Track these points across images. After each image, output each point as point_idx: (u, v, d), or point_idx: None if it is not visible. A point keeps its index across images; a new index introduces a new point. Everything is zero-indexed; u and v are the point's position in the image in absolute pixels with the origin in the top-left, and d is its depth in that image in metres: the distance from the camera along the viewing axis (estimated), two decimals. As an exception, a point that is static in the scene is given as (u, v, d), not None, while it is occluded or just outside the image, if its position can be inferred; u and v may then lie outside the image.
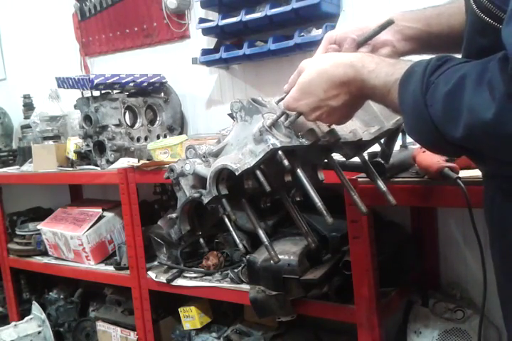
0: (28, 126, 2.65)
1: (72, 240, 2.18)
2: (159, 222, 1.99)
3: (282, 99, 0.94)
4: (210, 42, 2.26)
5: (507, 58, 0.57)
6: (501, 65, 0.59)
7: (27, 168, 2.44)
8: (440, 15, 0.90)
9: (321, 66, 0.80)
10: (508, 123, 0.57)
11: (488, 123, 0.58)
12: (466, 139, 0.62)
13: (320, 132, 0.91)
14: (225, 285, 1.74)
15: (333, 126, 0.95)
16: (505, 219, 0.75)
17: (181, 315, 1.94)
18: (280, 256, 1.03)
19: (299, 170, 0.90)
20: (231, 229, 1.02)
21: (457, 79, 0.62)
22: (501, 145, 0.61)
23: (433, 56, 0.69)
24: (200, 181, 1.01)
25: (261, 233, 0.95)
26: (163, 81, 2.30)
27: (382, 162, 1.21)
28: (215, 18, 2.10)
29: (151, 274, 1.93)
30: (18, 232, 2.51)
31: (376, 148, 1.15)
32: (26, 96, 2.82)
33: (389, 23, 0.86)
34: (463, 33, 0.74)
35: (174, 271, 1.90)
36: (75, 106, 2.22)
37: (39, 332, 2.44)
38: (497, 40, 0.60)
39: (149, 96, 2.29)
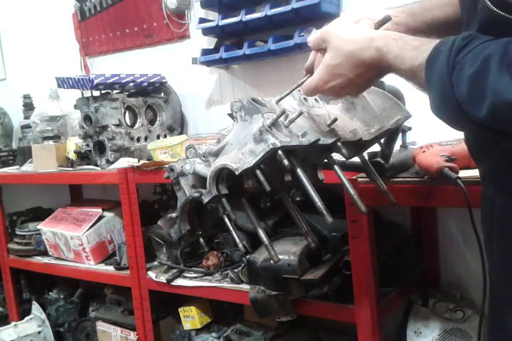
0: (28, 126, 2.65)
1: (72, 240, 2.18)
2: (159, 222, 1.99)
3: (282, 98, 0.94)
4: (210, 42, 2.26)
5: None
6: None
7: (27, 168, 2.44)
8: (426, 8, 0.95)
9: (348, 48, 0.80)
10: None
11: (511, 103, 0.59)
12: (490, 120, 0.63)
13: (320, 132, 0.91)
14: (225, 285, 1.74)
15: (333, 126, 0.95)
16: (506, 220, 0.75)
17: (181, 315, 1.94)
18: (280, 256, 1.03)
19: (298, 170, 0.89)
20: (231, 229, 1.02)
21: (481, 61, 0.63)
22: None
23: (458, 35, 0.69)
24: (200, 181, 1.01)
25: (261, 233, 0.95)
26: (163, 81, 2.30)
27: (382, 162, 1.21)
28: (215, 18, 2.10)
29: (151, 274, 1.93)
30: (18, 232, 2.51)
31: (376, 148, 1.15)
32: (26, 96, 2.82)
33: (386, 19, 0.88)
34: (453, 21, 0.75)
35: (174, 271, 1.90)
36: (75, 106, 2.22)
37: (39, 332, 2.44)
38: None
39: (149, 96, 2.29)
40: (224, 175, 0.94)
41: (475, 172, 1.12)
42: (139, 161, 2.01)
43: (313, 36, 0.87)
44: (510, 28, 0.64)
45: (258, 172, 0.89)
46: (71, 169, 2.21)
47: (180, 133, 2.33)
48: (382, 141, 1.13)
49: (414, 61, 0.73)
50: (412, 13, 0.95)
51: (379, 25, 0.89)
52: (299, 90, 0.95)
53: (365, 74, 0.82)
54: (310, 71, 0.90)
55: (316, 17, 1.90)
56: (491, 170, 0.81)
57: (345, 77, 0.82)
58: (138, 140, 2.19)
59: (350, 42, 0.80)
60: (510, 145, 0.72)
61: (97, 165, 2.14)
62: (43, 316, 2.44)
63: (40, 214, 2.64)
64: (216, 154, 0.99)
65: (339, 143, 0.94)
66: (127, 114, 2.22)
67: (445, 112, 0.71)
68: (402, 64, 0.75)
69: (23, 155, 2.58)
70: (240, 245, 1.05)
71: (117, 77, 2.11)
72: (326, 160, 1.02)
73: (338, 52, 0.81)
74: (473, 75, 0.63)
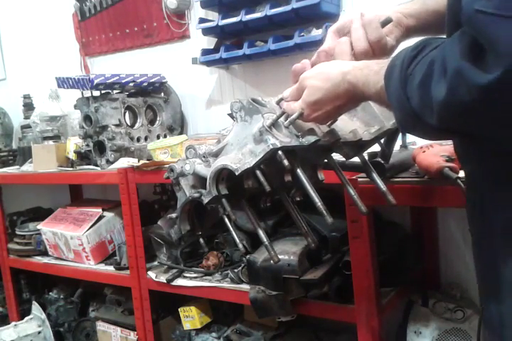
0: (28, 126, 2.65)
1: (72, 240, 2.18)
2: (159, 222, 1.99)
3: (282, 99, 0.94)
4: (210, 42, 2.26)
5: (462, 32, 0.60)
6: (453, 41, 0.61)
7: (27, 168, 2.44)
8: None
9: (324, 86, 0.85)
10: (460, 98, 0.59)
11: (443, 102, 0.61)
12: (441, 124, 0.65)
13: (320, 132, 0.91)
14: (225, 285, 1.74)
15: (333, 126, 0.95)
16: (484, 223, 0.77)
17: (181, 315, 1.94)
18: (280, 256, 1.03)
19: (298, 170, 0.90)
20: (231, 229, 1.02)
21: (426, 68, 0.65)
22: (465, 120, 0.62)
23: (411, 45, 0.71)
24: (200, 181, 1.01)
25: (261, 233, 0.95)
26: (163, 81, 2.30)
27: (382, 162, 1.21)
28: (215, 18, 2.09)
29: (151, 274, 1.93)
30: (18, 232, 2.51)
31: (376, 148, 1.15)
32: (26, 96, 2.82)
33: (388, 21, 0.91)
34: None
35: (174, 271, 1.90)
36: (75, 106, 2.22)
37: (39, 332, 2.44)
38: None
39: (149, 96, 2.29)
40: (224, 175, 0.94)
41: (475, 173, 1.12)
42: (139, 161, 2.01)
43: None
44: None
45: (258, 172, 0.89)
46: (71, 169, 2.21)
47: (180, 133, 2.33)
48: (382, 141, 1.13)
49: (376, 85, 0.77)
50: (425, 3, 0.96)
51: (382, 25, 0.92)
52: None
53: (343, 105, 0.87)
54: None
55: (316, 17, 1.90)
56: (470, 174, 0.82)
57: (325, 110, 0.87)
58: (138, 140, 2.19)
59: (324, 80, 0.86)
60: (482, 150, 0.73)
61: (97, 165, 2.14)
62: (43, 316, 2.44)
63: (40, 214, 2.64)
64: (216, 154, 0.99)
65: (339, 144, 0.94)
66: (127, 114, 2.22)
67: (407, 125, 0.73)
68: (369, 90, 0.79)
69: (23, 155, 2.58)
70: (240, 245, 1.05)
71: (117, 77, 2.11)
72: (326, 161, 1.03)
73: (315, 90, 0.86)
74: (420, 84, 0.65)
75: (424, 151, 1.21)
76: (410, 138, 1.49)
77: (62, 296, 2.51)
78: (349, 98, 0.85)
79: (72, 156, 2.25)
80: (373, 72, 0.79)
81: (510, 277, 0.71)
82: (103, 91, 2.16)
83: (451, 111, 0.62)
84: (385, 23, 0.92)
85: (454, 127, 0.65)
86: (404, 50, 0.72)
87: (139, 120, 2.22)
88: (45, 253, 2.38)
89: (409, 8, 0.97)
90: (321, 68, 0.89)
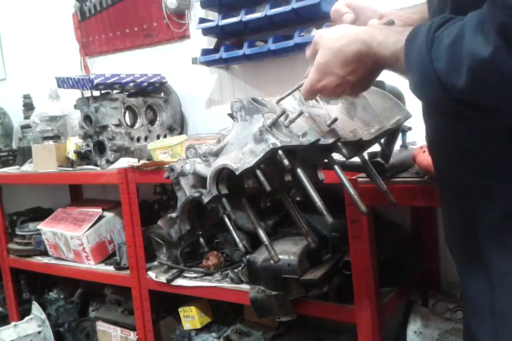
0: (28, 126, 2.65)
1: (72, 240, 2.18)
2: (159, 222, 1.99)
3: (282, 98, 0.94)
4: (210, 42, 2.26)
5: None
6: (491, 2, 0.59)
7: (27, 168, 2.44)
8: None
9: (335, 45, 0.81)
10: (504, 62, 0.57)
11: (486, 61, 0.59)
12: (469, 87, 0.62)
13: (320, 132, 0.91)
14: (225, 285, 1.74)
15: (333, 126, 0.95)
16: (461, 223, 0.80)
17: (181, 315, 1.94)
18: (280, 256, 1.03)
19: (299, 170, 0.90)
20: (231, 228, 1.02)
21: (458, 30, 0.63)
22: (502, 87, 0.60)
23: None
24: (200, 181, 1.01)
25: (261, 233, 0.95)
26: (163, 81, 2.30)
27: (382, 162, 1.21)
28: (215, 18, 2.09)
29: (151, 274, 1.93)
30: (18, 232, 2.51)
31: (376, 148, 1.15)
32: (26, 96, 2.82)
33: (390, 23, 0.89)
34: None
35: (174, 271, 1.90)
36: (75, 106, 2.22)
37: (39, 332, 2.44)
38: None
39: (149, 96, 2.29)
40: (224, 175, 0.94)
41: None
42: (139, 161, 2.01)
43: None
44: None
45: (258, 172, 0.89)
46: (71, 169, 2.21)
47: (180, 133, 2.33)
48: (382, 141, 1.13)
49: (396, 44, 0.74)
50: (423, 16, 0.95)
51: None
52: (299, 91, 0.95)
53: (355, 71, 0.82)
54: None
55: (316, 17, 1.90)
56: (451, 172, 0.83)
57: (336, 75, 0.83)
58: (138, 140, 2.19)
59: (336, 39, 0.82)
60: (475, 140, 0.72)
61: (97, 165, 2.14)
62: (43, 316, 2.44)
63: (40, 214, 2.64)
64: (216, 154, 0.99)
65: (339, 143, 0.94)
66: (127, 114, 2.22)
67: (425, 89, 0.70)
68: (386, 49, 0.76)
69: (23, 155, 2.58)
70: (240, 245, 1.05)
71: (117, 77, 2.11)
72: (326, 160, 1.03)
73: (326, 50, 0.83)
74: (450, 44, 0.64)
75: (424, 151, 1.21)
76: (410, 138, 1.50)
77: (62, 296, 2.51)
78: (360, 60, 0.80)
79: (72, 156, 2.25)
80: (395, 32, 0.76)
81: (499, 267, 0.73)
82: (103, 91, 2.16)
83: (495, 73, 0.59)
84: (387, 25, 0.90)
85: (481, 96, 0.63)
86: (425, 23, 0.70)
87: (139, 120, 2.22)
88: (45, 253, 2.38)
89: (409, 17, 0.97)
90: (336, 28, 0.86)
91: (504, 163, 0.72)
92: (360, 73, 0.82)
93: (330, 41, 0.82)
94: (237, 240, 1.03)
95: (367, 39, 0.78)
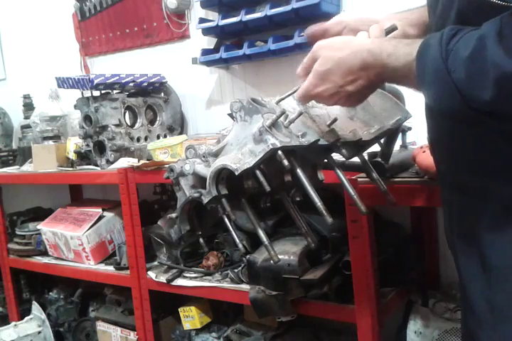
0: (28, 126, 2.65)
1: (72, 240, 2.18)
2: (159, 222, 1.99)
3: (282, 99, 0.94)
4: (210, 42, 2.26)
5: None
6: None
7: (27, 168, 2.44)
8: None
9: (339, 55, 0.80)
10: None
11: (510, 74, 0.58)
12: (497, 98, 0.62)
13: (320, 132, 0.91)
14: (225, 285, 1.74)
15: (333, 126, 0.95)
16: (463, 222, 0.80)
17: (181, 315, 1.94)
18: (280, 256, 1.03)
19: (298, 170, 0.89)
20: (231, 229, 1.02)
21: (476, 42, 0.63)
22: None
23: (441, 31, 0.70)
24: (199, 181, 1.01)
25: (261, 233, 0.95)
26: (163, 81, 2.30)
27: (382, 162, 1.21)
28: (215, 18, 2.09)
29: (151, 274, 1.93)
30: (18, 232, 2.51)
31: (376, 148, 1.15)
32: (26, 96, 2.82)
33: (393, 28, 0.89)
34: None
35: (174, 271, 1.90)
36: (75, 106, 2.22)
37: (39, 332, 2.44)
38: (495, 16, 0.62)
39: (149, 96, 2.29)
40: (224, 175, 0.94)
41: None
42: (139, 161, 2.01)
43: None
44: (491, 11, 0.64)
45: (258, 172, 0.89)
46: (71, 169, 2.21)
47: (180, 133, 2.33)
48: (382, 141, 1.13)
49: (408, 56, 0.73)
50: (422, 14, 0.95)
51: (387, 33, 0.90)
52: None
53: (355, 81, 0.80)
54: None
55: (316, 17, 1.89)
56: (452, 171, 0.83)
57: (334, 83, 0.81)
58: (138, 140, 2.19)
59: (339, 49, 0.81)
60: (485, 141, 0.72)
61: (97, 165, 2.14)
62: (43, 316, 2.44)
63: (40, 214, 2.64)
64: (216, 154, 0.99)
65: (339, 144, 0.94)
66: (127, 114, 2.22)
67: (443, 101, 0.69)
68: (397, 61, 0.75)
69: (23, 155, 2.58)
70: (240, 245, 1.05)
71: (117, 77, 2.11)
72: (326, 161, 1.02)
73: (328, 60, 0.81)
74: (470, 56, 0.63)
75: (424, 151, 1.21)
76: (410, 138, 1.49)
77: (62, 296, 2.51)
78: (363, 70, 0.78)
79: (72, 156, 2.25)
80: (404, 43, 0.76)
81: (496, 264, 0.74)
82: (103, 91, 2.16)
83: None
84: (389, 31, 0.89)
85: (509, 104, 0.63)
86: (436, 33, 0.70)
87: (139, 120, 2.22)
88: (45, 253, 2.38)
89: (408, 17, 0.97)
90: (338, 38, 0.85)
91: (500, 163, 0.72)
92: (359, 84, 0.81)
93: (330, 51, 0.81)
94: (237, 240, 1.03)
95: (375, 50, 0.77)
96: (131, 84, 2.17)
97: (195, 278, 1.84)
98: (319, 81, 0.83)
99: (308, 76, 0.85)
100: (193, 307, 1.92)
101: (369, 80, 0.80)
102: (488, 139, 0.73)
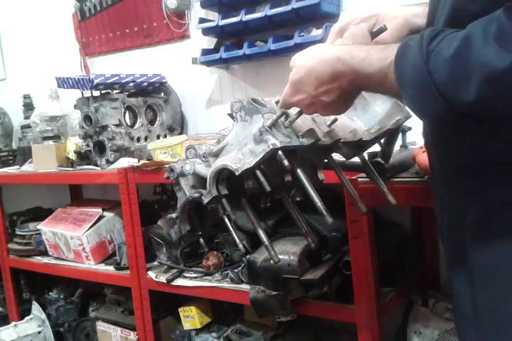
0: (28, 126, 2.65)
1: (72, 240, 2.18)
2: (159, 222, 1.99)
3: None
4: (210, 42, 2.26)
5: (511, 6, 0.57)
6: (508, 14, 0.58)
7: (27, 168, 2.44)
8: None
9: (309, 63, 0.79)
10: None
11: (504, 72, 0.57)
12: (481, 100, 0.60)
13: (320, 132, 0.91)
14: (225, 285, 1.74)
15: (333, 126, 0.95)
16: (452, 217, 0.81)
17: (181, 315, 1.94)
18: (280, 256, 1.03)
19: (299, 170, 0.89)
20: (231, 229, 1.02)
21: (460, 42, 0.61)
22: None
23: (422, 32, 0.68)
24: (200, 181, 1.01)
25: (261, 233, 0.95)
26: (163, 81, 2.30)
27: (382, 162, 1.21)
28: (215, 18, 2.09)
29: (151, 274, 1.93)
30: (18, 232, 2.51)
31: (376, 148, 1.15)
32: (26, 96, 2.82)
33: (382, 29, 0.88)
34: None
35: (174, 271, 1.90)
36: (75, 106, 2.22)
37: (39, 332, 2.44)
38: (491, 4, 0.61)
39: (149, 96, 2.29)
40: (224, 175, 0.94)
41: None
42: (139, 161, 2.01)
43: None
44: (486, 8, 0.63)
45: (258, 172, 0.89)
46: (71, 169, 2.21)
47: (180, 133, 2.33)
48: (382, 141, 1.13)
49: (383, 61, 0.71)
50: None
51: (374, 35, 0.89)
52: None
53: (328, 91, 0.79)
54: None
55: (316, 17, 1.90)
56: (441, 168, 0.83)
57: (307, 94, 0.81)
58: (138, 140, 2.19)
59: (310, 58, 0.80)
60: (475, 138, 0.71)
61: (97, 165, 2.14)
62: (43, 316, 2.44)
63: (40, 214, 2.64)
64: (216, 154, 0.99)
65: (339, 144, 0.94)
66: (127, 114, 2.22)
67: (423, 104, 0.68)
68: (370, 66, 0.72)
69: (23, 155, 2.57)
70: (240, 245, 1.05)
71: (117, 77, 2.11)
72: (326, 161, 1.03)
73: (300, 69, 0.81)
74: (453, 56, 0.61)
75: (424, 151, 1.21)
76: (410, 138, 1.50)
77: (62, 296, 2.51)
78: (334, 80, 0.77)
79: (72, 156, 2.25)
80: (377, 48, 0.74)
81: (479, 263, 0.74)
82: (103, 91, 2.16)
83: (509, 80, 0.57)
84: (376, 33, 0.89)
85: (493, 107, 0.61)
86: (415, 35, 0.69)
87: (139, 120, 2.22)
88: (45, 253, 2.38)
89: (414, 9, 0.96)
90: (312, 47, 0.84)
91: (486, 163, 0.72)
92: (333, 94, 0.79)
93: (303, 60, 0.81)
94: (237, 240, 1.03)
95: (344, 57, 0.75)
96: (131, 84, 2.17)
97: (195, 278, 1.84)
98: (294, 91, 0.83)
99: (286, 85, 0.85)
100: (193, 307, 1.92)
101: (342, 89, 0.78)
102: (471, 139, 0.72)
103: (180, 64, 2.37)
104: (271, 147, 0.86)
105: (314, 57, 0.79)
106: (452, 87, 0.62)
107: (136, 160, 2.05)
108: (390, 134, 1.10)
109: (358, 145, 1.02)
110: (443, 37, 0.65)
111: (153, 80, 2.25)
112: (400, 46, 0.70)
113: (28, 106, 2.79)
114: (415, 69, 0.65)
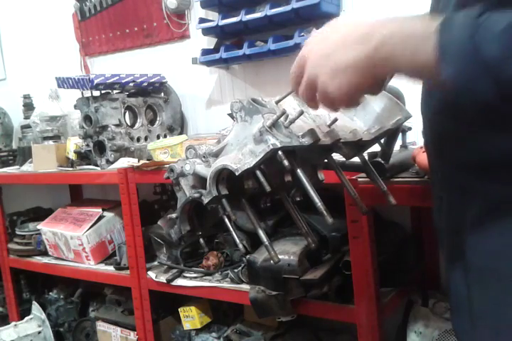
0: (28, 126, 2.65)
1: (72, 240, 2.18)
2: (159, 222, 1.99)
3: (282, 98, 0.94)
4: (210, 42, 2.26)
5: None
6: None
7: (27, 168, 2.44)
8: None
9: (331, 36, 0.72)
10: None
11: None
12: None
13: (320, 132, 0.91)
14: (225, 285, 1.74)
15: (333, 126, 0.95)
16: (451, 217, 0.80)
17: (181, 315, 1.94)
18: (280, 256, 1.03)
19: (299, 170, 0.89)
20: (231, 229, 1.02)
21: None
22: None
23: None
24: (200, 181, 1.01)
25: (261, 233, 0.95)
26: (163, 81, 2.30)
27: (382, 162, 1.21)
28: (215, 18, 2.10)
29: (151, 274, 1.93)
30: (18, 232, 2.51)
31: (376, 148, 1.15)
32: (26, 96, 2.82)
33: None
34: None
35: (174, 271, 1.90)
36: (75, 106, 2.22)
37: (39, 332, 2.44)
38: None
39: (149, 96, 2.29)
40: (224, 175, 0.94)
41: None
42: (139, 161, 2.01)
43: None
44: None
45: (258, 172, 0.89)
46: (71, 169, 2.21)
47: (180, 133, 2.33)
48: (382, 141, 1.13)
49: (428, 28, 0.63)
50: None
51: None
52: None
53: (348, 47, 0.69)
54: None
55: (316, 17, 1.90)
56: (440, 166, 0.82)
57: (333, 62, 0.71)
58: (138, 140, 2.19)
59: (331, 33, 0.73)
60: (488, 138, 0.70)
61: (97, 165, 2.14)
62: (43, 316, 2.44)
63: (40, 214, 2.64)
64: (216, 155, 0.99)
65: (339, 144, 0.94)
66: (127, 114, 2.23)
67: (469, 80, 0.60)
68: (411, 27, 0.65)
69: (23, 155, 2.58)
70: (240, 245, 1.05)
71: (117, 77, 2.11)
72: (326, 161, 1.02)
73: (320, 43, 0.74)
74: (505, 29, 0.56)
75: (424, 151, 1.21)
76: (410, 138, 1.50)
77: (62, 296, 2.51)
78: (364, 37, 0.68)
79: (72, 156, 2.25)
80: (416, 17, 0.67)
81: (475, 264, 0.74)
82: (103, 91, 2.16)
83: None
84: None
85: None
86: (453, 12, 0.63)
87: (139, 120, 2.22)
88: (45, 253, 2.38)
89: None
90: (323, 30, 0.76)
91: (487, 161, 0.71)
92: (351, 54, 0.69)
93: (323, 38, 0.73)
94: (237, 240, 1.03)
95: (376, 23, 0.68)
96: (131, 84, 2.17)
97: (195, 278, 1.84)
98: (314, 44, 0.75)
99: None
100: (193, 307, 1.92)
101: (364, 53, 0.68)
102: (472, 136, 0.71)
103: (180, 64, 2.37)
104: (271, 147, 0.86)
105: (335, 32, 0.73)
106: (503, 60, 0.57)
107: (136, 160, 2.05)
108: (390, 134, 1.10)
109: (358, 146, 1.02)
110: (490, 14, 0.59)
111: (153, 80, 2.25)
112: (443, 20, 0.63)
113: (28, 106, 2.80)
114: (460, 43, 0.60)
